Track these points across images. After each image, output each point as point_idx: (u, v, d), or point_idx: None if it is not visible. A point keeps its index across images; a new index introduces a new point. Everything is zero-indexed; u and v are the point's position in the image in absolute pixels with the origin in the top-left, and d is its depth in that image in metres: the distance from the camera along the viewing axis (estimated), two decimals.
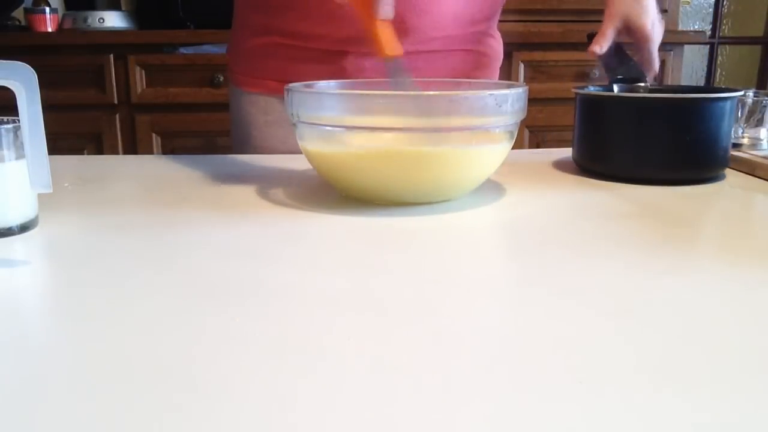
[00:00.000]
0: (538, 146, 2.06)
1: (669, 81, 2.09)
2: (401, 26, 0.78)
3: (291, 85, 0.58)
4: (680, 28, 2.40)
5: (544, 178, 0.69)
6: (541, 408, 0.26)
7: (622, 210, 0.57)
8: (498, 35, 0.93)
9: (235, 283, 0.40)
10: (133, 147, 2.03)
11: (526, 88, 0.58)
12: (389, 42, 0.61)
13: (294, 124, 0.59)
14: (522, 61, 2.06)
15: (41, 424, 0.25)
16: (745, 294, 0.38)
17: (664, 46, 2.25)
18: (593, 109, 0.71)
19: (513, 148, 0.60)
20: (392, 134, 0.56)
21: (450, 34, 0.83)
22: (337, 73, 0.80)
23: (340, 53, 0.81)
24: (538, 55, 2.05)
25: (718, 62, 2.74)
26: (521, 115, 0.58)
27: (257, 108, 0.88)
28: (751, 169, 0.70)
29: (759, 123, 0.78)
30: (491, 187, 0.63)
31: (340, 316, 0.35)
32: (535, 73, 2.06)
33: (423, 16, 0.80)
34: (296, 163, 0.74)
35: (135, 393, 0.27)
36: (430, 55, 0.83)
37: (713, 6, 2.69)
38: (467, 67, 0.87)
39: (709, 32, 2.69)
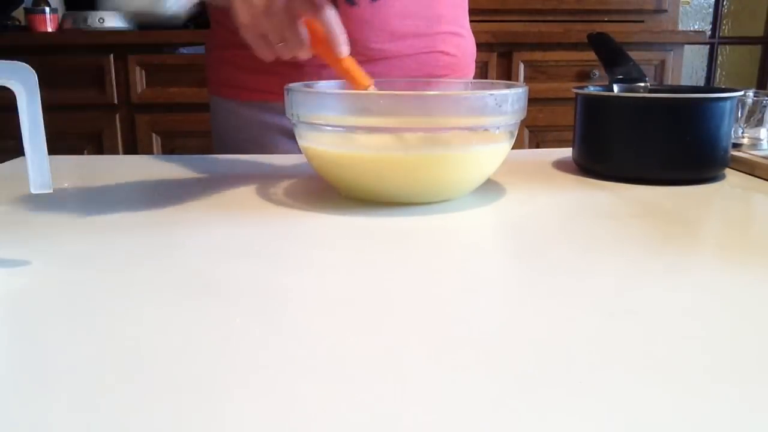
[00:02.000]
0: (538, 146, 2.06)
1: (669, 81, 2.09)
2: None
3: (291, 85, 0.58)
4: (680, 28, 2.40)
5: (544, 178, 0.69)
6: (541, 408, 0.26)
7: (622, 210, 0.57)
8: (468, 34, 0.92)
9: (235, 283, 0.40)
10: (133, 147, 2.03)
11: (526, 88, 0.58)
12: (360, 76, 0.64)
13: (294, 124, 0.59)
14: (522, 61, 2.06)
15: (41, 423, 0.25)
16: (746, 293, 0.38)
17: (664, 46, 2.25)
18: (593, 109, 0.71)
19: (513, 148, 0.60)
20: (392, 134, 0.56)
21: (400, 36, 0.82)
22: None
23: (295, 65, 0.81)
24: (538, 55, 2.05)
25: (718, 62, 2.74)
26: (521, 115, 0.58)
27: (227, 112, 0.91)
28: (751, 169, 0.70)
29: (759, 123, 0.78)
30: (491, 187, 0.63)
31: (340, 315, 0.35)
32: (535, 73, 2.06)
33: (364, 26, 0.79)
34: (296, 163, 0.74)
35: (135, 392, 0.27)
36: (386, 61, 0.83)
37: (713, 6, 2.69)
38: (430, 67, 0.86)
39: (709, 32, 2.69)
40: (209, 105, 0.96)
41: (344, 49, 0.62)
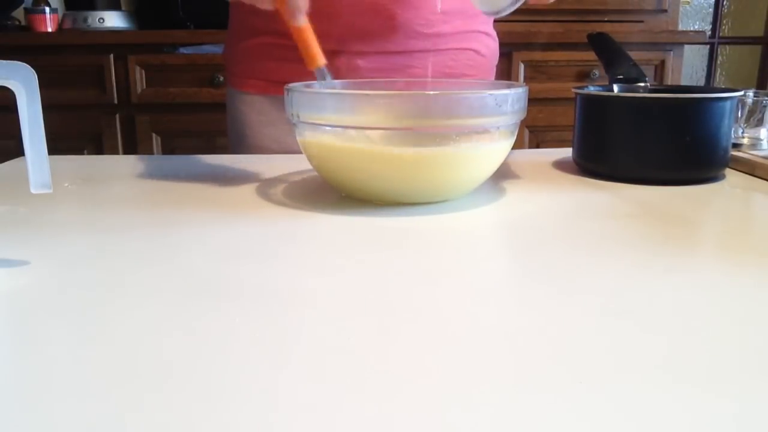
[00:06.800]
0: (538, 146, 2.06)
1: (669, 81, 2.09)
2: (390, 22, 0.79)
3: (291, 85, 0.58)
4: (680, 28, 2.40)
5: (544, 178, 0.69)
6: (541, 408, 0.26)
7: (622, 210, 0.57)
8: (494, 34, 0.93)
9: (235, 283, 0.40)
10: (133, 147, 2.03)
11: (526, 88, 0.58)
12: (314, 52, 0.64)
13: (294, 124, 0.59)
14: (522, 61, 2.06)
15: (41, 423, 0.25)
16: (746, 293, 0.38)
17: (664, 46, 2.25)
18: (593, 109, 0.71)
19: (513, 148, 0.60)
20: (392, 134, 0.56)
21: (441, 31, 0.83)
22: (331, 72, 0.81)
23: (333, 53, 0.81)
24: (538, 55, 2.05)
25: (718, 62, 2.74)
26: (521, 115, 0.58)
27: (251, 108, 0.88)
28: (751, 169, 0.70)
29: (759, 123, 0.78)
30: (491, 187, 0.63)
31: (341, 315, 0.35)
32: (535, 73, 2.06)
33: (411, 11, 0.80)
34: (296, 163, 0.74)
35: (135, 392, 0.27)
36: (423, 54, 0.83)
37: (713, 6, 2.69)
38: (462, 65, 0.87)
39: (709, 32, 2.69)
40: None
41: (300, 18, 0.62)
